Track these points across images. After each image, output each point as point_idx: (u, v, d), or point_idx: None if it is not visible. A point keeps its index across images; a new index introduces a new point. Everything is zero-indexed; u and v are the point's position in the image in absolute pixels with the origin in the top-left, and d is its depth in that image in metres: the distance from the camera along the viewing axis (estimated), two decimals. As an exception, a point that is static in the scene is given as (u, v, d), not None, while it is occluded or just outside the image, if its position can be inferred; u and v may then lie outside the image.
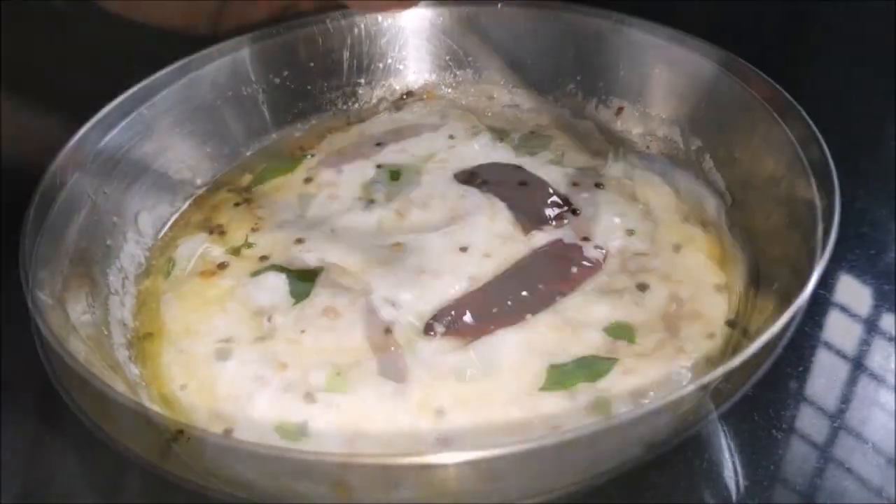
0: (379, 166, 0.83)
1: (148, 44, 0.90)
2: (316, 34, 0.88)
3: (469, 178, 0.80)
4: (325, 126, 0.91)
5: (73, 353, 0.54)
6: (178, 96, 0.81)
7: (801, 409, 0.69)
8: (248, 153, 0.87)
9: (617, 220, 0.74)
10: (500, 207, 0.76)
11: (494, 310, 0.65)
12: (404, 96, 0.93)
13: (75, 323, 0.63)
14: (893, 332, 0.75)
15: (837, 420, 0.68)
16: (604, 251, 0.71)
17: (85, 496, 0.66)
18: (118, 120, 0.76)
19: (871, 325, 0.76)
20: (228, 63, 0.84)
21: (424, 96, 0.93)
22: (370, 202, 0.79)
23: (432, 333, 0.65)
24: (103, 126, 0.75)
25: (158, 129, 0.79)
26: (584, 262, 0.69)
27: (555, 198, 0.76)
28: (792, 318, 0.53)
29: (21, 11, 0.88)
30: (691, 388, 0.50)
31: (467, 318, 0.65)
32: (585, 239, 0.72)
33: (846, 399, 0.70)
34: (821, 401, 0.69)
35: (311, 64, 0.89)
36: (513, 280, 0.68)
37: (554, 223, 0.74)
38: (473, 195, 0.77)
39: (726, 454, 0.66)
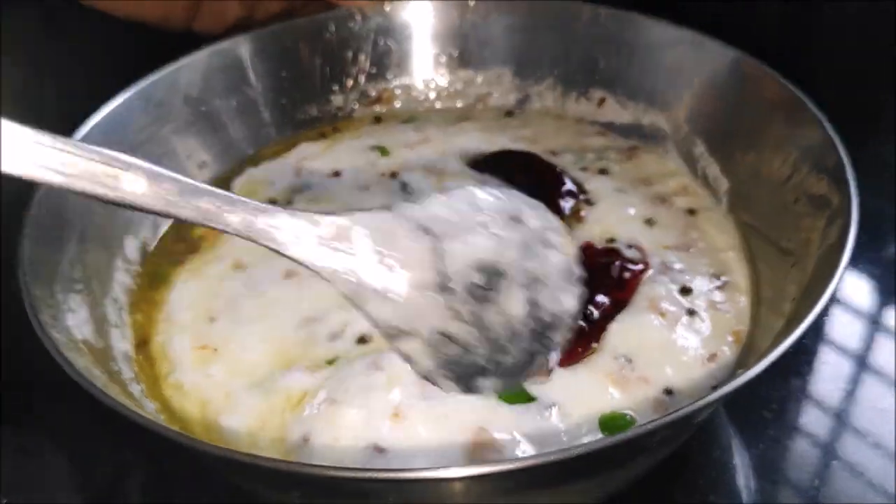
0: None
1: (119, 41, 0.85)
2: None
3: (482, 163, 0.79)
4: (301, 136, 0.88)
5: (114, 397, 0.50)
6: (154, 114, 0.76)
7: (804, 406, 0.69)
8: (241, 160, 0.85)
9: (631, 210, 0.74)
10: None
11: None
12: (380, 99, 0.91)
13: (91, 359, 0.58)
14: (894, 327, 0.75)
15: (840, 416, 0.68)
16: (638, 250, 0.69)
17: (84, 497, 0.65)
18: (98, 137, 0.71)
19: (873, 320, 0.76)
20: (199, 75, 0.80)
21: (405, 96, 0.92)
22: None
23: None
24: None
25: (140, 144, 0.75)
26: (631, 266, 0.67)
27: (570, 185, 0.75)
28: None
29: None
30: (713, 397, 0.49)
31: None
32: (611, 240, 0.71)
33: (849, 395, 0.70)
34: (824, 397, 0.70)
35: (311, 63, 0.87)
36: None
37: (570, 214, 0.73)
38: (491, 182, 0.77)
39: (735, 451, 0.66)
